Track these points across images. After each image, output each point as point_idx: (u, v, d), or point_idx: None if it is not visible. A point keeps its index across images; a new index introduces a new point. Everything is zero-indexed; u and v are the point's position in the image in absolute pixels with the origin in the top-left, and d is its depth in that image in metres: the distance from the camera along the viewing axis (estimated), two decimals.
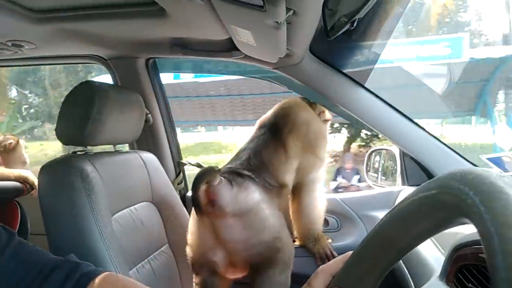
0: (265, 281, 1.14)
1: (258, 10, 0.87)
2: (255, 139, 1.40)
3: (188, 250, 1.24)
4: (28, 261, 0.68)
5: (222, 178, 1.17)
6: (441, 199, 0.37)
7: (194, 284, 1.27)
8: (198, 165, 1.84)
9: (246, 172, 1.25)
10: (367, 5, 0.67)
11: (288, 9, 0.89)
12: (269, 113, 1.49)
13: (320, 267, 0.55)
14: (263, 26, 0.99)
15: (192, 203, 1.10)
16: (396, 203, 1.35)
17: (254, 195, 1.21)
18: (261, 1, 0.83)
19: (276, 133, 1.39)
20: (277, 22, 0.95)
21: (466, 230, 0.78)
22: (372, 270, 0.48)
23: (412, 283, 1.01)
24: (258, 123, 1.48)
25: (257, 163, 1.30)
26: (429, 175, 1.50)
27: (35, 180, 1.73)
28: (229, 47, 1.42)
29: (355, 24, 0.77)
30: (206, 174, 1.11)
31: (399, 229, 0.44)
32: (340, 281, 0.51)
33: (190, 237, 1.23)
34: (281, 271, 1.15)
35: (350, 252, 0.51)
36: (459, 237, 0.76)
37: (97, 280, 0.66)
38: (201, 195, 1.11)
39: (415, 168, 1.55)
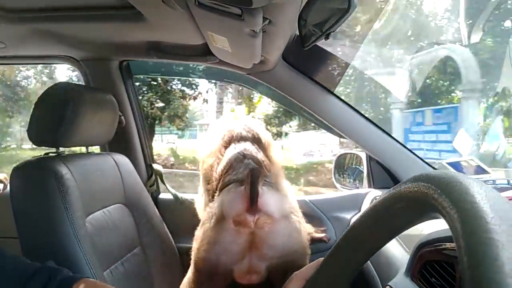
0: None
1: (236, 19, 0.90)
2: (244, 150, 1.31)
3: (201, 257, 1.14)
4: (5, 268, 0.68)
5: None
6: (413, 197, 0.40)
7: (189, 282, 1.21)
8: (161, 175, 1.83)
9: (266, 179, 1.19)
10: (342, 20, 0.72)
11: (264, 19, 0.93)
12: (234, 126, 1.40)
13: (294, 273, 0.58)
14: (240, 34, 1.02)
15: (250, 202, 1.06)
16: (363, 205, 1.40)
17: (289, 200, 1.18)
18: (240, 10, 0.87)
19: (259, 145, 1.34)
20: (254, 31, 0.99)
21: (429, 230, 0.85)
22: (344, 271, 0.51)
23: (378, 281, 1.07)
24: (227, 136, 1.37)
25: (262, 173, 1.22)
26: (394, 178, 1.58)
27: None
28: (204, 52, 1.45)
29: (330, 37, 0.82)
30: (260, 176, 1.08)
31: (372, 228, 0.47)
32: (314, 284, 0.54)
33: (208, 244, 1.13)
34: None
35: (321, 259, 0.55)
36: (422, 236, 0.82)
37: (74, 286, 0.67)
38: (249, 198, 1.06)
39: (381, 172, 1.63)
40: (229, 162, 1.28)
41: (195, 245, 1.18)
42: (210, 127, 1.58)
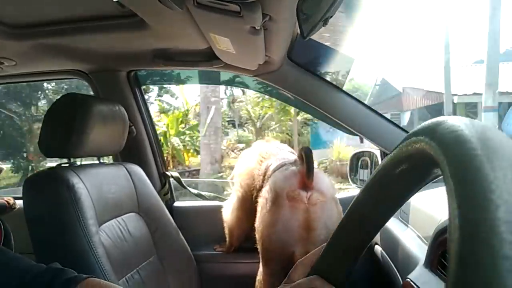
0: None
1: (235, 16, 0.90)
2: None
3: (264, 239, 1.22)
4: (9, 268, 0.68)
5: None
6: (412, 153, 0.37)
7: (262, 276, 1.28)
8: (179, 179, 1.87)
9: None
10: (337, 2, 0.71)
11: (264, 15, 0.92)
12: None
13: (299, 260, 0.57)
14: (241, 32, 1.02)
15: (307, 176, 1.14)
16: None
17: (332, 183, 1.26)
18: (238, 7, 0.86)
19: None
20: (254, 28, 0.99)
21: (447, 217, 0.81)
22: (347, 253, 0.49)
23: (398, 275, 1.04)
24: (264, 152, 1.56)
25: None
26: None
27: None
28: (209, 56, 1.45)
29: (327, 23, 0.81)
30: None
31: (372, 201, 0.45)
32: (318, 270, 0.52)
33: (268, 227, 1.21)
34: None
35: (325, 244, 0.53)
36: (440, 223, 0.79)
37: (79, 286, 0.66)
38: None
39: None
40: (272, 157, 1.44)
41: (257, 235, 1.26)
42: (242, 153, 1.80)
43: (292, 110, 11.11)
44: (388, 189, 0.42)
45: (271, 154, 1.49)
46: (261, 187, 1.36)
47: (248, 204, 1.47)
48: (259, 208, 1.27)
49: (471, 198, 0.25)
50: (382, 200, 0.44)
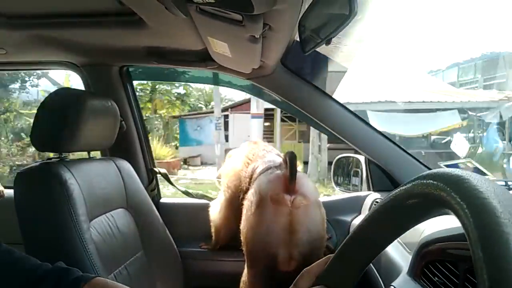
0: None
1: (237, 25, 0.92)
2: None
3: (248, 241, 1.25)
4: (16, 268, 0.69)
5: None
6: (424, 193, 0.42)
7: (247, 277, 1.30)
8: (166, 176, 1.88)
9: None
10: (342, 26, 0.74)
11: (265, 24, 0.94)
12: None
13: (305, 269, 0.59)
14: (240, 40, 1.04)
15: (289, 180, 1.17)
16: (363, 207, 1.43)
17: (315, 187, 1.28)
18: (240, 16, 0.88)
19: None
20: (254, 36, 1.01)
21: (430, 229, 0.86)
22: (353, 267, 0.53)
23: (381, 282, 1.08)
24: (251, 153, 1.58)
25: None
26: (393, 181, 1.59)
27: None
28: (204, 57, 1.47)
29: (330, 43, 0.84)
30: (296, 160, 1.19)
31: (381, 225, 0.49)
32: (324, 279, 0.55)
33: (252, 229, 1.24)
34: None
35: (331, 255, 0.56)
36: (424, 235, 0.83)
37: (87, 285, 0.67)
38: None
39: (380, 175, 1.64)
40: (259, 160, 1.46)
41: (242, 237, 1.29)
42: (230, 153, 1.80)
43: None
44: (396, 217, 0.47)
45: (257, 156, 1.52)
46: (247, 189, 1.39)
47: (235, 204, 1.50)
48: (244, 211, 1.30)
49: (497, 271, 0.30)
50: (388, 226, 0.48)
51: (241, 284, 1.34)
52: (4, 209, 1.26)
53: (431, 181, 0.40)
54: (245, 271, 1.32)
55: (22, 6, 1.20)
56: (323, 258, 0.58)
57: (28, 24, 1.27)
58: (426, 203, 0.43)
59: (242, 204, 1.35)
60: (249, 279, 1.29)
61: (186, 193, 1.87)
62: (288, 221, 1.18)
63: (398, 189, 0.46)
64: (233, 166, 1.61)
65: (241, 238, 1.30)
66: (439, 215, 0.43)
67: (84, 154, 1.44)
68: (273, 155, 1.54)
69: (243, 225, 1.29)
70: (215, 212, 1.65)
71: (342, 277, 0.54)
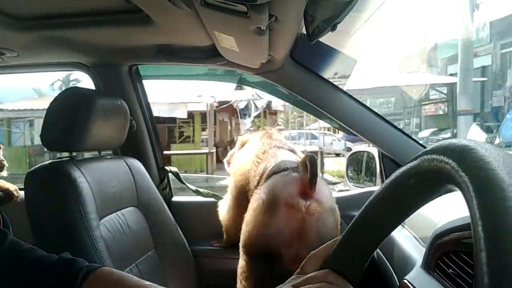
0: None
1: (242, 16, 0.91)
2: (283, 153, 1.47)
3: (252, 240, 1.22)
4: (22, 258, 0.69)
5: None
6: (427, 169, 0.39)
7: (245, 267, 1.27)
8: (177, 174, 1.87)
9: None
10: (347, 9, 0.72)
11: (270, 16, 0.93)
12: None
13: (311, 252, 0.57)
14: (246, 32, 1.03)
15: (309, 186, 1.12)
16: None
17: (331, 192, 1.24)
18: (245, 8, 0.87)
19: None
20: (260, 28, 0.99)
21: (444, 220, 0.83)
22: (360, 250, 0.51)
23: (395, 275, 1.06)
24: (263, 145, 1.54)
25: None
26: None
27: (9, 186, 1.71)
28: (212, 53, 1.46)
29: (336, 28, 0.82)
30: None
31: (388, 206, 0.47)
32: (331, 263, 0.53)
33: (259, 227, 1.19)
34: None
35: (339, 237, 0.54)
36: (438, 227, 0.81)
37: (92, 275, 0.67)
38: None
39: (394, 169, 1.59)
40: (272, 158, 1.40)
41: (245, 228, 1.24)
42: (241, 140, 1.78)
43: None
44: (401, 197, 0.45)
45: (268, 155, 1.46)
46: (256, 186, 1.36)
47: (243, 203, 1.45)
48: (252, 206, 1.25)
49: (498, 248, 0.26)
50: (394, 207, 0.46)
51: (239, 276, 1.31)
52: (18, 210, 1.27)
53: (435, 155, 0.37)
54: (241, 262, 1.29)
55: (31, 7, 1.21)
56: (330, 241, 0.55)
57: (38, 25, 1.27)
58: (431, 180, 0.40)
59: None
60: (248, 269, 1.26)
61: (197, 192, 1.86)
62: (300, 227, 1.14)
63: (403, 167, 0.43)
64: (241, 165, 1.57)
65: (243, 229, 1.26)
66: (446, 193, 0.39)
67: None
68: (286, 152, 1.50)
69: (247, 221, 1.24)
70: (223, 212, 1.64)
71: (349, 261, 0.52)
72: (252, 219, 1.22)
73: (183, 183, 1.89)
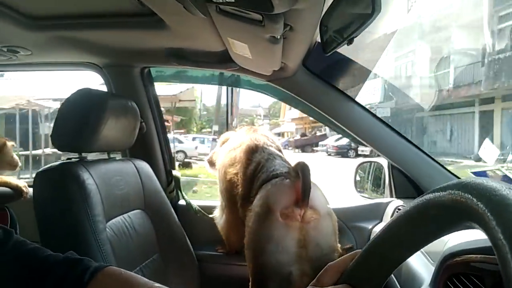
0: None
1: (257, 25, 0.90)
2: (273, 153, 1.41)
3: (258, 259, 1.16)
4: (28, 257, 0.68)
5: None
6: (450, 204, 0.39)
7: None
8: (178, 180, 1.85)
9: None
10: (365, 25, 0.71)
11: (286, 25, 0.92)
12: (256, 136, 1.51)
13: (329, 264, 0.55)
14: (260, 40, 1.02)
15: (302, 195, 1.08)
16: (385, 214, 1.37)
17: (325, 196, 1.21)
18: (260, 16, 0.86)
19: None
20: (274, 37, 0.99)
21: (454, 241, 0.81)
22: (380, 268, 0.50)
23: None
24: (250, 145, 1.47)
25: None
26: (417, 188, 1.54)
27: (19, 183, 1.71)
28: (225, 58, 1.45)
29: (352, 42, 0.81)
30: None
31: (407, 230, 0.46)
32: (349, 278, 0.52)
33: (261, 245, 1.15)
34: None
35: (359, 251, 0.52)
36: (448, 247, 0.79)
37: (99, 274, 0.66)
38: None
39: (403, 181, 1.59)
40: (261, 162, 1.35)
41: (247, 248, 1.20)
42: (223, 138, 1.71)
43: None
44: (419, 226, 0.44)
45: (257, 154, 1.41)
46: (246, 194, 1.33)
47: (235, 209, 1.44)
48: (248, 223, 1.20)
49: None
50: (412, 234, 0.46)
51: None
52: (26, 207, 1.28)
53: (458, 191, 0.37)
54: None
55: (46, 7, 1.21)
56: (349, 254, 0.54)
57: (53, 25, 1.28)
58: (451, 215, 0.40)
59: (245, 210, 1.28)
60: None
61: (189, 206, 1.82)
62: (298, 236, 1.11)
63: (422, 197, 0.43)
64: (227, 168, 1.50)
65: (247, 254, 1.21)
66: (466, 229, 0.39)
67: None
68: (273, 150, 1.44)
69: (248, 239, 1.20)
70: (219, 220, 1.61)
71: (368, 278, 0.50)
72: (252, 238, 1.19)
73: (180, 191, 1.87)
